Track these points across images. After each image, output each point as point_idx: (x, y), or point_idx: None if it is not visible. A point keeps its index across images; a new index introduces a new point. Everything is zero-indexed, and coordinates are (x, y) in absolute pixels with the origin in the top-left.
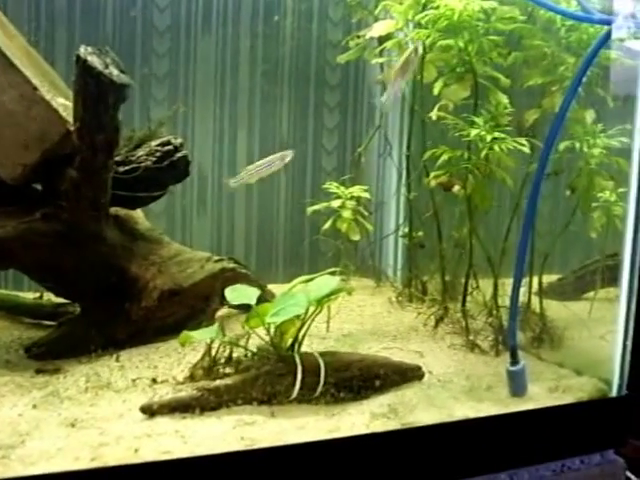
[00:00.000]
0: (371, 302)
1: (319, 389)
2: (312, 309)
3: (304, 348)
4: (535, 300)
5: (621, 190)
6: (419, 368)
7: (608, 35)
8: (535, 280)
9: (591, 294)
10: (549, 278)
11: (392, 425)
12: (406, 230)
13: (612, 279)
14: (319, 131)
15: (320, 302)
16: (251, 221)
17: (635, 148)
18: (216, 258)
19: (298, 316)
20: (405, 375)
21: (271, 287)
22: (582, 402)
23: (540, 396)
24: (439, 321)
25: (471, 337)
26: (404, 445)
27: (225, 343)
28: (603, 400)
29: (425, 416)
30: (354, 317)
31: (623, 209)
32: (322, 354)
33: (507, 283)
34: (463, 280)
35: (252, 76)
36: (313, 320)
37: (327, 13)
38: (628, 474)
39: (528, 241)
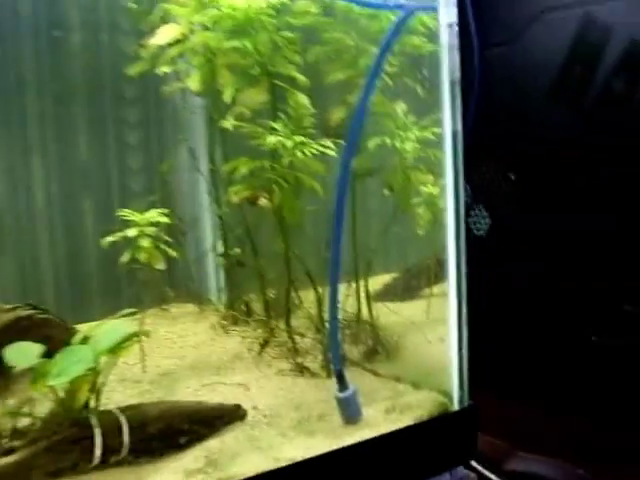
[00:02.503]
0: (194, 330)
1: (124, 451)
2: (104, 359)
3: (117, 395)
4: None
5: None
6: (238, 408)
7: (402, 21)
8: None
9: (427, 292)
10: (384, 279)
11: None
12: (222, 249)
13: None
14: (122, 150)
15: (114, 351)
16: (57, 257)
17: (446, 137)
18: (8, 307)
19: (92, 369)
20: (222, 419)
21: (87, 325)
22: (422, 422)
23: (376, 420)
24: (264, 345)
25: (299, 359)
26: None
27: (4, 414)
28: (445, 416)
29: (247, 464)
30: (175, 350)
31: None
32: (124, 409)
33: None
34: None
35: (40, 99)
36: (109, 373)
37: (117, 22)
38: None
39: (340, 250)
